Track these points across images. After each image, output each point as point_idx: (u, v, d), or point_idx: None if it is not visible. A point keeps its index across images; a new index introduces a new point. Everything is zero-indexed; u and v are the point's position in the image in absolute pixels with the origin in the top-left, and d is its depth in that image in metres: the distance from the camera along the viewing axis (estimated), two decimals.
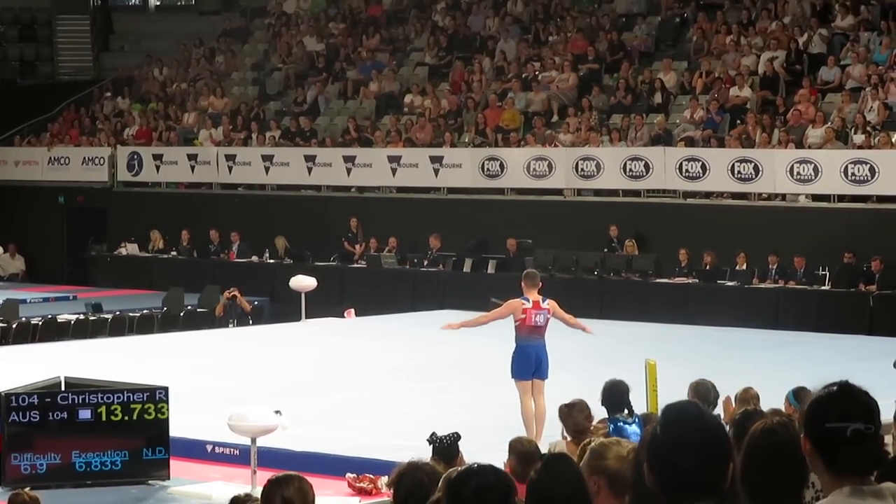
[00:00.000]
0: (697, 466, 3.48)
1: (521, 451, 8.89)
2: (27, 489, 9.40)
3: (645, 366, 11.76)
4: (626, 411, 10.39)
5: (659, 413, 11.01)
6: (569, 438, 9.81)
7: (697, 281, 26.88)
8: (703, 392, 10.79)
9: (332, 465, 14.06)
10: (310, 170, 32.22)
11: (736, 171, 27.14)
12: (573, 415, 9.84)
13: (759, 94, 29.02)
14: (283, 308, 28.09)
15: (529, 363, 15.34)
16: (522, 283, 15.96)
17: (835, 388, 3.55)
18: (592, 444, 4.79)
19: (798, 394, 10.19)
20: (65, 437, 14.09)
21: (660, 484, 3.51)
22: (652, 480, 3.53)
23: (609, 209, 28.67)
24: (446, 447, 9.23)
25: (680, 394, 11.27)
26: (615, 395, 10.44)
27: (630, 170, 28.33)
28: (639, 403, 11.12)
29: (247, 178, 33.37)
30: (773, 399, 10.19)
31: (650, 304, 26.28)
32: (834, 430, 3.44)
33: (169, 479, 14.16)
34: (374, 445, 14.61)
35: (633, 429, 10.03)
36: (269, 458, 13.67)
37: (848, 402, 3.50)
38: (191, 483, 14.07)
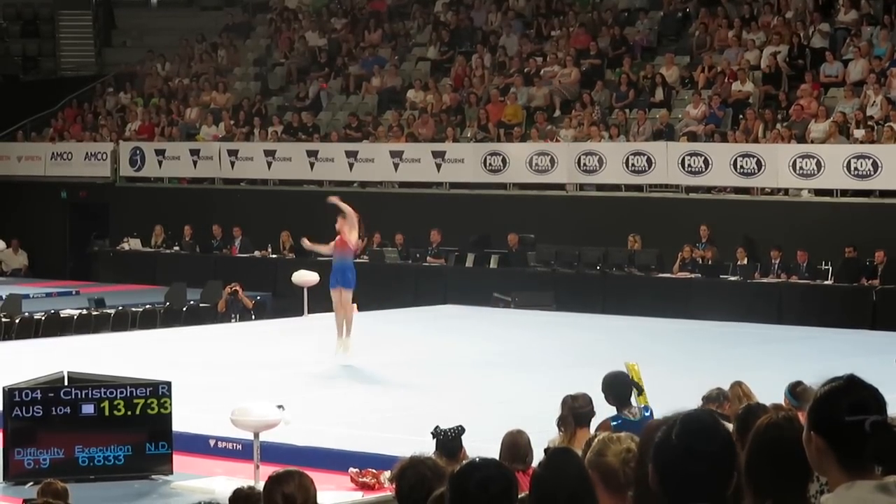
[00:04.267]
0: (706, 475, 3.52)
1: (508, 441, 8.93)
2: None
3: (626, 369, 11.60)
4: (635, 392, 10.25)
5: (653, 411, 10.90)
6: (562, 430, 9.76)
7: (700, 276, 26.88)
8: (714, 396, 10.77)
9: (335, 460, 14.06)
10: (312, 165, 32.24)
11: (738, 166, 27.13)
12: (574, 403, 9.80)
13: (762, 89, 29.01)
14: (285, 303, 28.08)
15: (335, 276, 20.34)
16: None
17: (841, 381, 3.53)
18: (598, 438, 4.81)
19: (794, 389, 10.19)
20: (68, 431, 14.10)
21: (664, 487, 3.54)
22: (656, 482, 3.56)
23: (611, 204, 28.68)
24: (450, 440, 9.23)
25: (681, 388, 11.28)
26: (617, 386, 10.29)
27: (632, 165, 28.32)
28: (681, 402, 11.05)
29: (249, 174, 33.39)
30: (775, 394, 10.18)
31: (653, 299, 26.27)
32: (852, 423, 3.42)
33: (172, 473, 14.17)
34: (376, 440, 14.62)
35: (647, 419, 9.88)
36: (271, 452, 13.67)
37: (858, 394, 3.48)
38: (194, 478, 14.08)
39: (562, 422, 9.77)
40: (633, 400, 10.34)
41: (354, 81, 34.83)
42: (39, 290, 30.47)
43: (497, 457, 8.22)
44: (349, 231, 20.35)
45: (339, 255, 20.53)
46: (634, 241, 27.93)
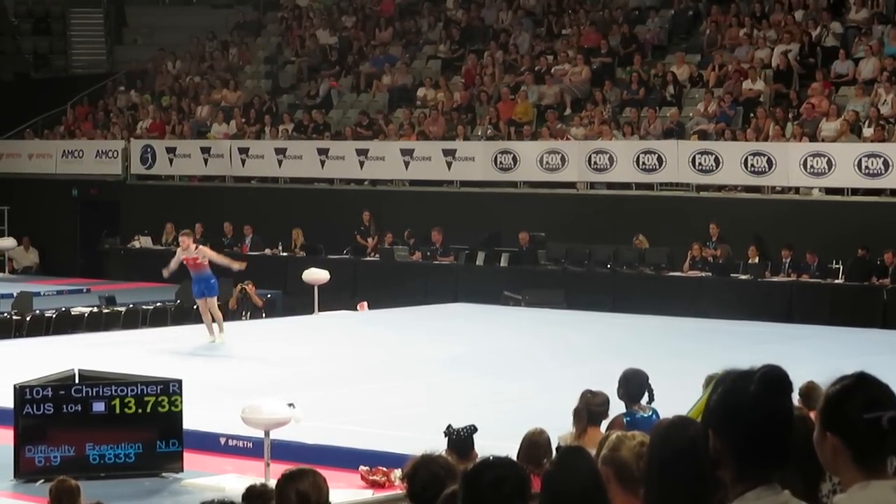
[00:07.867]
0: (784, 435, 3.45)
1: (529, 440, 8.91)
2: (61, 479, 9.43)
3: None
4: (646, 397, 10.24)
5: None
6: (573, 430, 9.74)
7: (710, 274, 26.86)
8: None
9: (345, 458, 14.05)
10: (322, 163, 32.25)
11: (749, 165, 27.11)
12: (592, 400, 9.78)
13: (773, 88, 28.99)
14: (295, 301, 28.10)
15: (199, 288, 23.09)
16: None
17: (852, 379, 3.51)
18: (611, 435, 4.82)
19: (802, 388, 10.22)
20: (79, 429, 14.11)
21: (737, 452, 3.45)
22: (719, 447, 3.48)
23: (622, 202, 28.66)
24: (462, 439, 9.24)
25: (689, 387, 11.24)
26: (633, 385, 10.27)
27: (643, 163, 28.31)
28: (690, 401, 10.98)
29: (260, 172, 33.42)
30: None
31: (663, 298, 26.24)
32: (869, 420, 3.40)
33: (182, 471, 14.17)
34: (386, 438, 14.63)
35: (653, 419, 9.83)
36: (282, 450, 13.67)
37: (872, 391, 3.46)
38: (204, 475, 14.09)
39: (576, 414, 9.77)
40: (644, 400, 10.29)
41: (365, 79, 34.84)
42: (50, 288, 30.50)
43: (512, 455, 8.23)
44: (202, 255, 23.41)
45: (195, 272, 23.34)
46: (640, 242, 27.90)
